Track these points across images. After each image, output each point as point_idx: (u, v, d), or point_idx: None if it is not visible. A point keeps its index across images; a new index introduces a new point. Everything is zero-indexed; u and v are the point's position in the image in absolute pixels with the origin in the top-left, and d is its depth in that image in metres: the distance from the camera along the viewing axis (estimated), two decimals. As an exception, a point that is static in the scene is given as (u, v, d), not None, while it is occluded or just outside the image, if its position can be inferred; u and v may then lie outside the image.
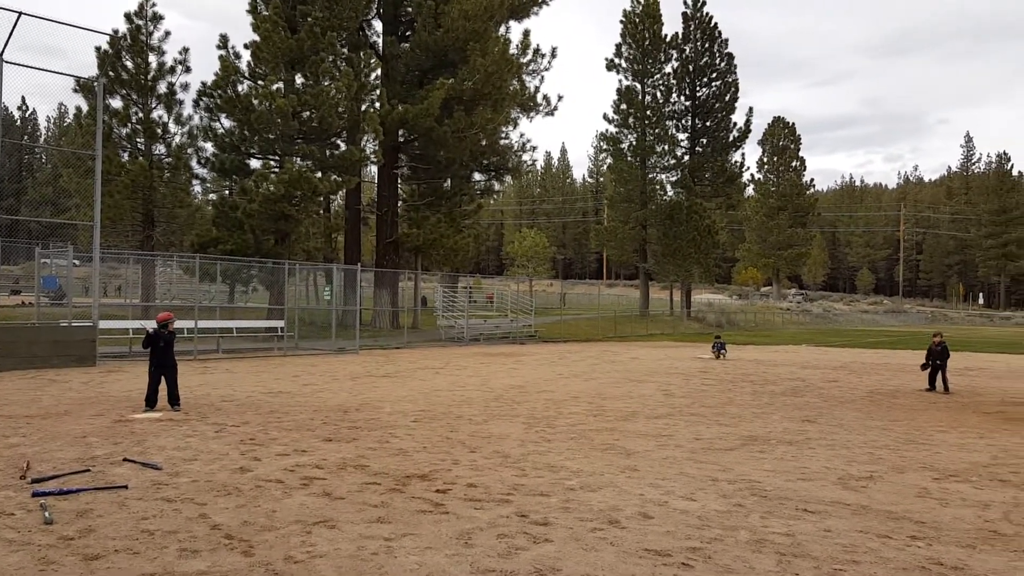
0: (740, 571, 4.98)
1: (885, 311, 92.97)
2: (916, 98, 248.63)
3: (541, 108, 41.45)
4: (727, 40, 59.45)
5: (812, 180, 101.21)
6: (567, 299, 72.58)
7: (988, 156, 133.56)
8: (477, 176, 43.24)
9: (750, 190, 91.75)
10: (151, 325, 12.60)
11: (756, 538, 5.71)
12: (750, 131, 59.41)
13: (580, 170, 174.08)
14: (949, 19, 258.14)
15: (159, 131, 32.29)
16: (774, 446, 9.69)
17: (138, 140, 32.27)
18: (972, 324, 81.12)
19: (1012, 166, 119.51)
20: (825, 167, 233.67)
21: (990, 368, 23.81)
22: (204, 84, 31.45)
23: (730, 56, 59.36)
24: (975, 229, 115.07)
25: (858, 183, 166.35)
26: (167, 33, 32.30)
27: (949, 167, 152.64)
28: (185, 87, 32.39)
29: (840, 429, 11.19)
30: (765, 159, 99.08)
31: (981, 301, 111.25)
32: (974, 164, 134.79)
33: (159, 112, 32.47)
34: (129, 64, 31.61)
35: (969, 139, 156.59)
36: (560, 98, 42.31)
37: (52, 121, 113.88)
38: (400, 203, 40.32)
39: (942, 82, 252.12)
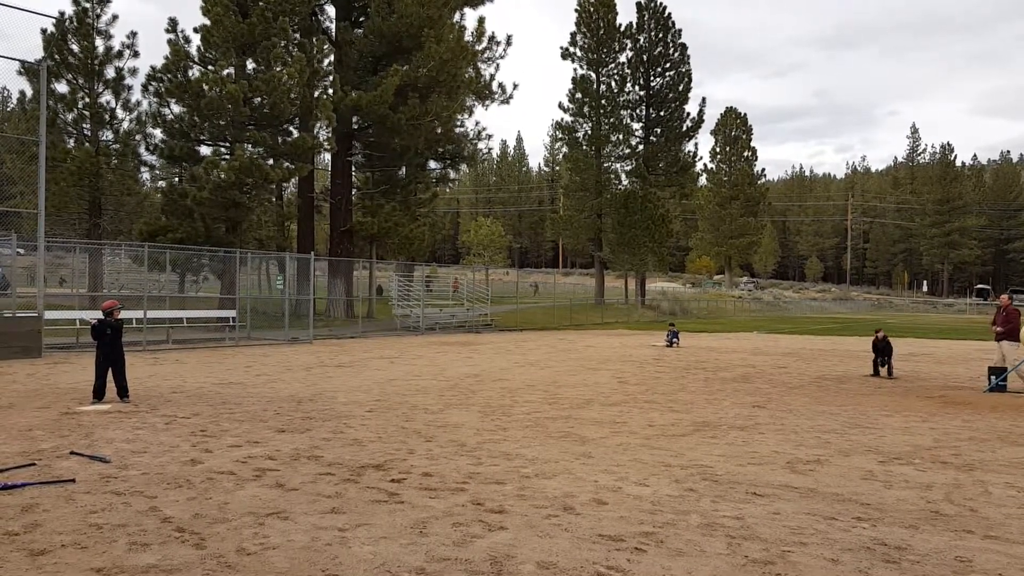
0: (691, 554, 5.07)
1: (833, 299, 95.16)
2: (867, 90, 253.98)
3: (496, 96, 41.38)
4: (680, 31, 60.04)
5: (763, 170, 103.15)
6: (524, 288, 72.74)
7: (933, 147, 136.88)
8: (432, 164, 43.08)
9: (703, 180, 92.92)
10: (98, 315, 12.31)
11: (707, 522, 5.81)
12: (703, 121, 60.22)
13: (536, 159, 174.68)
14: (897, 11, 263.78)
15: (106, 117, 31.51)
16: (725, 431, 9.86)
17: (84, 126, 31.44)
18: (916, 311, 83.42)
19: (956, 157, 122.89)
20: (778, 157, 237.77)
21: (933, 353, 24.51)
22: (153, 69, 30.75)
23: (683, 47, 59.95)
24: (920, 219, 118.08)
25: (808, 173, 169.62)
26: (115, 16, 31.53)
27: (896, 158, 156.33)
28: (133, 72, 31.68)
29: (789, 414, 11.43)
30: (718, 149, 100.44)
31: (925, 289, 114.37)
32: (919, 155, 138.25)
33: (106, 97, 31.72)
34: (75, 48, 30.75)
35: (915, 130, 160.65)
36: (515, 86, 42.34)
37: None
38: (354, 191, 39.94)
39: (892, 74, 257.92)
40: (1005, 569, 4.88)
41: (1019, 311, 15.19)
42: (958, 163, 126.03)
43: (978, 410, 12.16)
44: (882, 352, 17.11)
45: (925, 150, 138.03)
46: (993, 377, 14.61)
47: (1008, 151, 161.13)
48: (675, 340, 26.58)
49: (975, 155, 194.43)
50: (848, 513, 6.16)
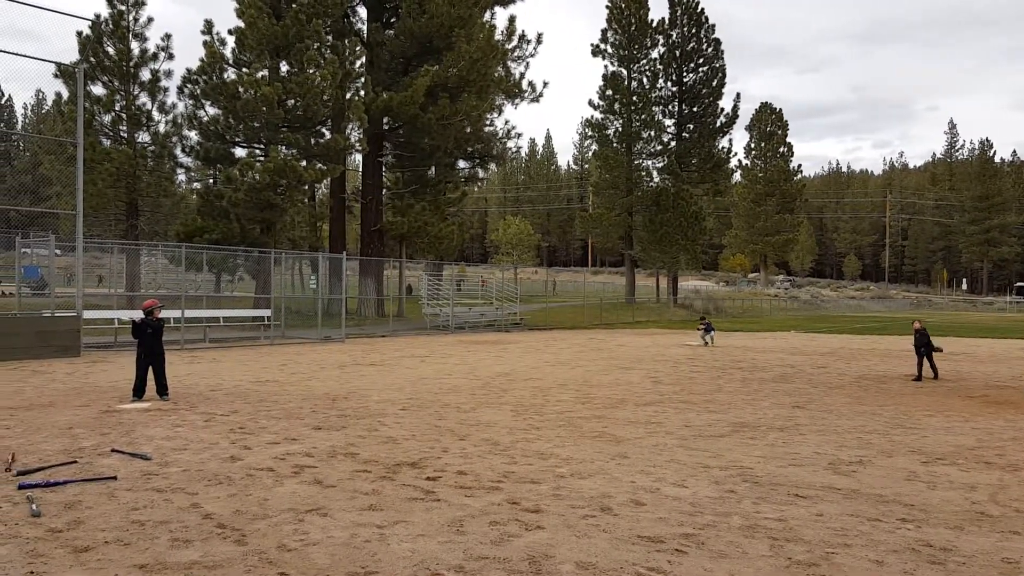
0: (733, 556, 5.00)
1: (871, 297, 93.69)
2: (905, 85, 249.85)
3: (526, 95, 41.34)
4: (714, 25, 59.45)
5: (800, 166, 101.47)
6: (550, 286, 72.63)
7: (972, 143, 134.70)
8: (461, 164, 43.13)
9: (737, 176, 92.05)
10: (137, 315, 12.48)
11: (749, 523, 5.73)
12: (737, 117, 59.56)
13: (565, 157, 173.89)
14: (935, 6, 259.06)
15: (143, 119, 31.95)
16: (764, 432, 9.73)
17: (121, 128, 31.93)
18: (956, 309, 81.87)
19: (995, 153, 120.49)
20: (814, 153, 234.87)
21: (974, 353, 24.03)
22: (188, 71, 31.17)
23: (717, 42, 59.35)
24: (959, 215, 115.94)
25: (845, 169, 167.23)
26: (150, 19, 32.02)
27: (934, 153, 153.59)
28: (168, 74, 32.11)
29: (830, 415, 11.26)
30: (752, 145, 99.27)
31: (964, 287, 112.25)
32: (958, 151, 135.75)
33: (143, 99, 32.16)
34: (111, 50, 31.22)
35: (953, 126, 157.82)
36: (545, 84, 42.34)
37: (30, 108, 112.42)
38: (384, 191, 40.15)
39: (930, 69, 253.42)
40: (1058, 573, 4.75)
41: None
42: (997, 159, 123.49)
43: (1021, 410, 11.91)
44: (921, 346, 16.56)
45: (963, 146, 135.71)
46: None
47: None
48: (710, 334, 26.25)
49: (1015, 151, 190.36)
50: (892, 514, 6.04)
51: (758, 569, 4.75)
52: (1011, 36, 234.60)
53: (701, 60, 59.13)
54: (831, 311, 72.51)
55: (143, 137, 32.44)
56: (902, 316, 57.60)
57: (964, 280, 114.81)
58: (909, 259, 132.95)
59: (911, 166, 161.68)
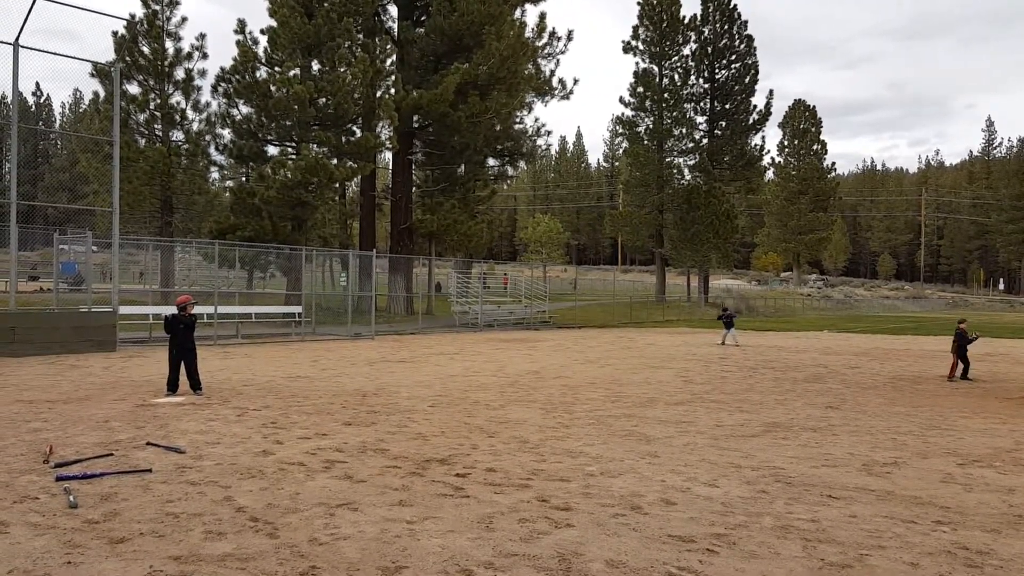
0: (765, 557, 4.94)
1: (906, 297, 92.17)
2: (942, 82, 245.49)
3: (556, 92, 41.24)
4: (746, 22, 58.98)
5: (833, 164, 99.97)
6: (580, 284, 72.43)
7: (1010, 141, 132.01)
8: (491, 161, 43.15)
9: (770, 174, 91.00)
10: (171, 310, 12.66)
11: (781, 524, 5.67)
12: (770, 114, 58.97)
13: (595, 155, 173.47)
14: (968, 3, 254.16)
15: (177, 117, 32.36)
16: (797, 433, 9.62)
17: (156, 126, 32.38)
18: (993, 310, 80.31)
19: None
20: (849, 151, 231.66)
21: (1011, 353, 23.56)
22: (222, 69, 31.58)
23: (749, 38, 58.81)
24: (996, 214, 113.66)
25: (880, 167, 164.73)
26: (184, 19, 32.41)
27: (971, 151, 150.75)
28: (202, 73, 32.48)
29: (863, 415, 11.10)
30: (786, 142, 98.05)
31: (1002, 287, 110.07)
32: (995, 149, 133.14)
33: (177, 98, 32.57)
34: (146, 49, 31.67)
35: (991, 123, 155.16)
36: (576, 82, 42.07)
37: (67, 107, 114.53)
38: (414, 189, 40.33)
39: (969, 66, 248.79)
40: (1101, 579, 4.64)
41: None
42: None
43: (1064, 413, 11.62)
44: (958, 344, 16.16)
45: (1001, 144, 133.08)
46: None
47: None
48: (731, 331, 25.68)
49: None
50: (927, 516, 5.95)
51: (790, 570, 4.70)
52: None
53: (734, 57, 58.64)
54: (865, 311, 71.49)
55: (177, 135, 32.88)
56: (938, 316, 56.64)
57: (1001, 280, 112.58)
58: (945, 258, 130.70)
59: (947, 164, 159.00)
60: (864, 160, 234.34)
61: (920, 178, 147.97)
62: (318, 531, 5.27)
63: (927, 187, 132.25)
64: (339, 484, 6.59)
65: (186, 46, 32.38)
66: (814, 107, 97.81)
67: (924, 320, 50.76)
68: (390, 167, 40.70)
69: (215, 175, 37.73)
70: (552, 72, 41.21)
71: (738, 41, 58.69)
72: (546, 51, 40.46)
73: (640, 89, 57.51)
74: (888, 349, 24.84)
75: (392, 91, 33.95)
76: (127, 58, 31.00)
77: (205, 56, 32.60)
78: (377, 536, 5.18)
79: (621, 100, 58.67)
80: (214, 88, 31.97)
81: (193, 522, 5.43)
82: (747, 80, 58.36)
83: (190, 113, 32.78)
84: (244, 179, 36.64)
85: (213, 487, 6.41)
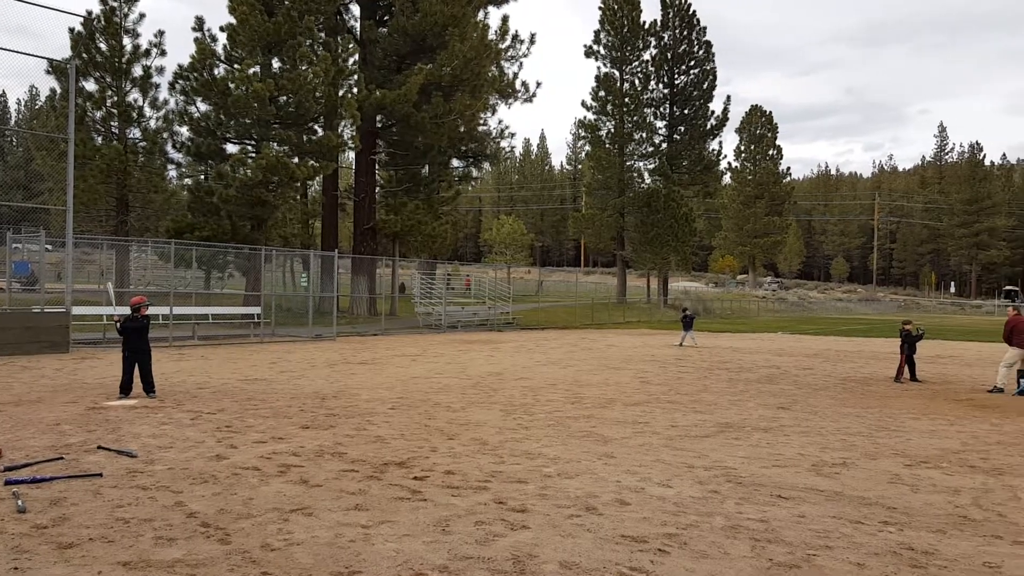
0: (715, 556, 5.04)
1: (859, 299, 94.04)
2: (898, 88, 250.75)
3: (520, 94, 41.33)
4: (705, 28, 59.69)
5: (788, 169, 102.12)
6: (544, 286, 72.65)
7: (961, 146, 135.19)
8: (455, 162, 43.14)
9: (727, 178, 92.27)
10: (125, 310, 12.46)
11: (731, 524, 5.78)
12: (727, 119, 59.79)
13: (559, 157, 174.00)
14: (931, 8, 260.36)
15: (134, 115, 31.80)
16: (749, 433, 9.79)
17: (112, 124, 31.78)
18: (944, 312, 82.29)
19: (984, 156, 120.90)
20: (806, 156, 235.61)
21: (960, 356, 24.18)
22: (180, 67, 31.04)
23: (708, 44, 59.54)
24: (947, 219, 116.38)
25: (834, 172, 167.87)
26: (142, 15, 31.79)
27: (923, 156, 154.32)
28: (160, 70, 31.93)
29: (814, 416, 11.33)
30: (743, 147, 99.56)
31: (953, 290, 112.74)
32: (947, 154, 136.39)
33: (134, 95, 31.99)
34: (103, 46, 31.06)
35: (943, 129, 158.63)
36: (539, 85, 42.36)
37: (23, 104, 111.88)
38: (377, 189, 40.12)
39: (924, 72, 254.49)
40: (1036, 576, 4.81)
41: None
42: (987, 162, 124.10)
43: (1007, 414, 11.98)
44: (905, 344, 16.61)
45: (953, 149, 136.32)
46: (1022, 380, 14.38)
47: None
48: (690, 332, 26.00)
49: (1004, 154, 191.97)
50: (874, 517, 6.09)
51: (739, 570, 4.79)
52: (1007, 39, 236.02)
53: (692, 62, 59.34)
54: (818, 313, 72.77)
55: (134, 133, 32.31)
56: (890, 318, 57.85)
57: (952, 283, 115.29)
58: (897, 262, 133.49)
59: (900, 169, 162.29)
60: (819, 165, 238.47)
61: (874, 182, 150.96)
62: (271, 536, 5.24)
63: (880, 191, 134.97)
64: (294, 489, 6.55)
65: (144, 43, 31.80)
66: (770, 112, 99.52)
67: (876, 322, 51.85)
68: (353, 167, 40.45)
69: (173, 173, 37.14)
70: (515, 75, 41.30)
71: (697, 47, 59.40)
72: (509, 54, 40.55)
73: (602, 93, 57.91)
74: (840, 351, 25.35)
75: (355, 90, 33.73)
76: (84, 55, 30.36)
77: (163, 53, 32.06)
78: (331, 541, 5.17)
79: (583, 104, 59.05)
80: (172, 85, 31.47)
81: (143, 528, 5.37)
82: (705, 86, 59.09)
83: (147, 110, 32.22)
84: (203, 178, 36.15)
85: (164, 492, 6.34)
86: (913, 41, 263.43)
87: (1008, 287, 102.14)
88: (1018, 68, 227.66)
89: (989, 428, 10.60)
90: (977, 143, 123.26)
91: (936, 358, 22.58)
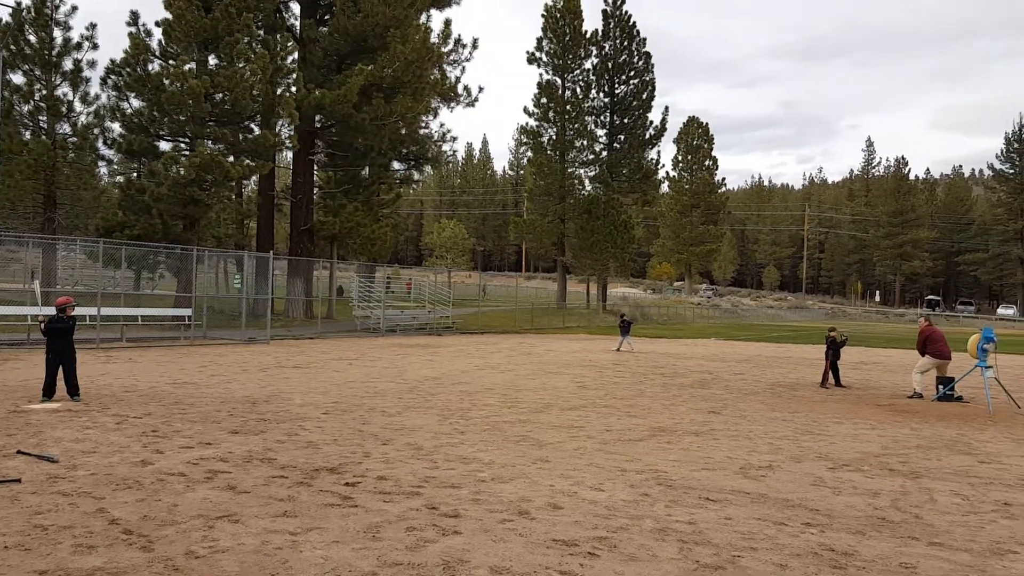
0: (643, 559, 5.11)
1: (789, 307, 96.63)
2: (831, 102, 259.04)
3: (462, 99, 41.35)
4: (645, 39, 60.60)
5: (724, 179, 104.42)
6: (489, 291, 72.70)
7: (887, 160, 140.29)
8: (396, 165, 42.85)
9: (665, 187, 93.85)
10: (50, 311, 12.05)
11: (660, 527, 5.87)
12: (666, 129, 60.79)
13: (501, 162, 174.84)
14: (866, 27, 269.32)
15: (64, 109, 30.85)
16: (681, 437, 9.96)
17: (41, 118, 30.78)
18: (869, 320, 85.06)
19: (909, 170, 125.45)
20: (742, 167, 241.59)
21: (884, 362, 25.00)
22: (113, 62, 30.23)
23: (647, 55, 60.47)
24: (873, 230, 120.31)
25: (767, 183, 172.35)
26: (74, 8, 30.93)
27: (852, 170, 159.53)
28: (92, 64, 31.13)
29: (743, 420, 11.59)
30: (680, 157, 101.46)
31: (878, 298, 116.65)
32: (874, 168, 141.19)
33: (64, 90, 31.05)
34: (32, 38, 30.09)
35: (870, 143, 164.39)
36: (481, 89, 42.25)
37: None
38: (316, 190, 39.60)
39: (856, 88, 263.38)
40: None
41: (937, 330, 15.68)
42: (912, 176, 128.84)
43: (926, 419, 12.41)
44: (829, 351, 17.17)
45: (880, 163, 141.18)
46: (941, 387, 14.97)
47: (960, 166, 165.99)
48: (627, 337, 26.30)
49: (928, 169, 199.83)
50: (797, 519, 6.24)
51: (666, 572, 4.87)
52: (934, 58, 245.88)
53: (632, 73, 60.18)
54: (750, 319, 74.51)
55: (64, 128, 31.31)
56: (817, 325, 59.56)
57: (877, 292, 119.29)
58: (826, 271, 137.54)
59: (830, 181, 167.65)
60: (753, 176, 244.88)
61: (804, 194, 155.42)
62: (195, 544, 5.12)
63: (811, 203, 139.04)
64: (221, 495, 6.42)
65: (76, 36, 30.93)
66: (707, 124, 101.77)
67: (804, 329, 53.31)
68: (291, 167, 39.87)
69: (103, 170, 36.11)
70: (458, 79, 41.33)
71: (636, 58, 60.29)
72: (452, 58, 40.56)
73: (544, 100, 58.29)
74: (770, 356, 25.99)
75: (293, 89, 33.27)
76: (12, 46, 29.31)
77: (95, 47, 31.22)
78: (257, 548, 5.08)
79: (525, 110, 59.34)
80: (104, 80, 30.60)
81: (62, 535, 5.19)
82: (645, 96, 60.00)
83: (78, 105, 31.31)
84: (134, 175, 35.19)
85: (86, 498, 6.14)
86: (846, 58, 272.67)
87: (930, 297, 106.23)
88: (943, 86, 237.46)
89: (909, 432, 10.98)
90: (903, 158, 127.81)
91: (860, 364, 23.32)
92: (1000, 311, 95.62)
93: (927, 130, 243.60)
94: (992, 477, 8.08)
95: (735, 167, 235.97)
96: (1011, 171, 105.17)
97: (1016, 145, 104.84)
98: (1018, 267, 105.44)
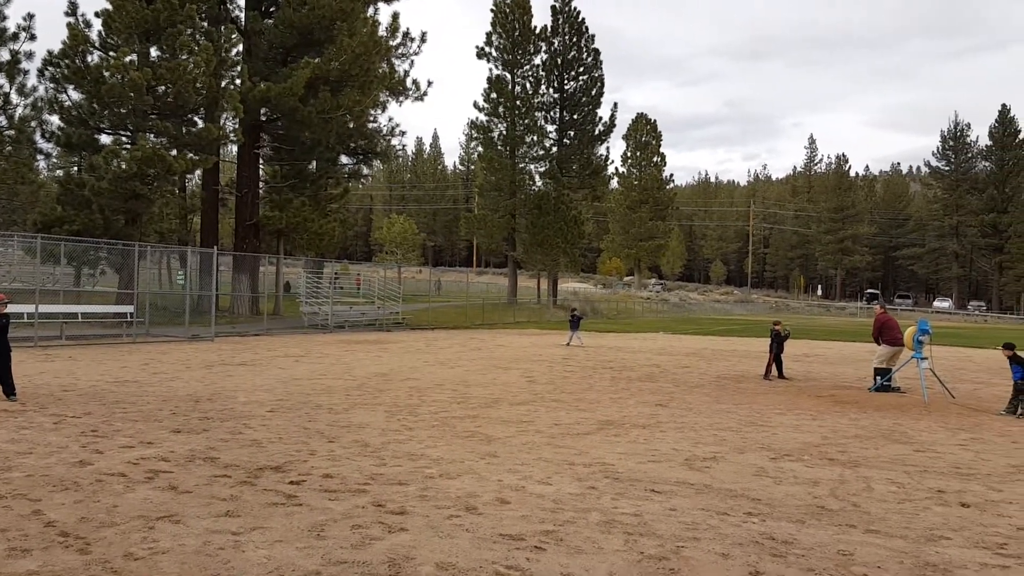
0: (589, 551, 5.16)
1: (735, 301, 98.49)
2: (774, 101, 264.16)
3: (411, 93, 41.12)
4: (594, 36, 60.94)
5: (672, 175, 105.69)
6: (435, 286, 72.42)
7: (829, 157, 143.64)
8: (344, 159, 42.41)
9: (614, 183, 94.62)
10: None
11: (606, 519, 5.93)
12: (615, 126, 61.27)
13: (452, 157, 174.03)
14: (807, 26, 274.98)
15: (0, 101, 29.76)
16: (628, 430, 10.08)
17: (-27, 110, 29.65)
18: (811, 313, 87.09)
19: (850, 167, 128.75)
20: (689, 163, 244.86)
21: (825, 355, 25.62)
22: (50, 53, 29.27)
23: (596, 52, 60.85)
24: (815, 226, 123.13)
25: (714, 180, 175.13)
26: (10, -4, 29.77)
27: (795, 167, 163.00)
28: (30, 55, 30.02)
29: (689, 412, 11.77)
30: (629, 154, 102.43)
31: (820, 292, 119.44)
32: (816, 165, 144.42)
33: (0, 81, 29.95)
34: (-35, 28, 28.92)
35: (813, 141, 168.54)
36: (430, 84, 42.20)
37: None
38: (262, 185, 38.97)
39: (798, 86, 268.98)
40: (884, 562, 5.13)
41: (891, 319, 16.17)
42: (852, 173, 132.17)
43: (864, 409, 12.76)
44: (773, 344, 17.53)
45: (822, 160, 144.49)
46: (879, 377, 15.40)
47: (898, 163, 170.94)
48: (577, 332, 26.54)
49: (867, 166, 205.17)
50: (740, 508, 6.36)
51: (612, 564, 4.93)
52: (874, 57, 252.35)
53: (581, 69, 60.51)
54: (698, 314, 75.68)
55: (0, 121, 30.24)
56: (762, 319, 60.77)
57: (819, 286, 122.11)
58: (770, 265, 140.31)
59: (774, 178, 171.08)
60: (700, 172, 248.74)
61: (749, 190, 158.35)
62: (135, 545, 5.01)
63: (756, 199, 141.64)
64: (161, 495, 6.29)
65: (12, 26, 29.82)
66: (655, 121, 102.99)
67: (749, 323, 54.35)
68: (236, 161, 39.15)
69: (42, 164, 35.00)
70: (406, 72, 41.10)
71: (586, 54, 60.62)
72: (400, 51, 40.30)
73: (493, 95, 58.25)
74: (716, 350, 26.44)
75: (238, 82, 32.66)
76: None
77: (33, 37, 30.13)
78: (199, 549, 4.99)
79: (475, 105, 59.20)
80: (41, 72, 29.64)
81: (-6, 540, 5.04)
82: (594, 92, 60.38)
83: (15, 97, 30.22)
84: (74, 169, 34.19)
85: (21, 500, 5.96)
86: (789, 56, 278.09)
87: (870, 291, 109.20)
88: (884, 85, 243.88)
89: (848, 422, 11.28)
90: (843, 155, 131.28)
91: (803, 356, 23.87)
92: (936, 304, 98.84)
93: (867, 128, 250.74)
94: (927, 465, 8.34)
95: (683, 164, 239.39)
96: (947, 168, 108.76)
97: (951, 143, 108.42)
98: (953, 261, 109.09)
